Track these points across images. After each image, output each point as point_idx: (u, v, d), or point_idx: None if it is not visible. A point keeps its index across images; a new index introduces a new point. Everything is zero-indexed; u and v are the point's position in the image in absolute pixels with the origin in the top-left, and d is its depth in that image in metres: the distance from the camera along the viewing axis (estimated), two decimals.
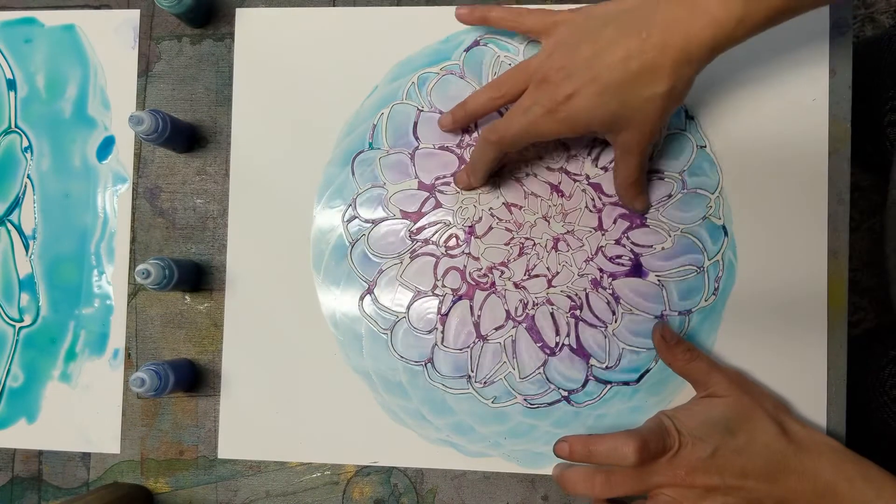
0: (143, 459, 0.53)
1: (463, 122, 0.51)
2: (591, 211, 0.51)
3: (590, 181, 0.52)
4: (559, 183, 0.52)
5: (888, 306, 0.59)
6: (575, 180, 0.52)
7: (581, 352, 0.51)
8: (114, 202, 0.54)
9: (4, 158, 0.55)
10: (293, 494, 0.52)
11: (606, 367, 0.51)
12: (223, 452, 0.53)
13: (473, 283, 0.52)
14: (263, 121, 0.54)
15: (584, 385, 0.51)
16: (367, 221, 0.53)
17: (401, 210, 0.53)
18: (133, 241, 0.54)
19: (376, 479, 0.52)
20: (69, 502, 0.47)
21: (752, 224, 0.51)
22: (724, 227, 0.51)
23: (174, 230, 0.54)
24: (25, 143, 0.55)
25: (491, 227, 0.52)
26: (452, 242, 0.52)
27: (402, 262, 0.52)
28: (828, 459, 0.44)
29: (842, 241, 0.50)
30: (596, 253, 0.51)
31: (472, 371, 0.51)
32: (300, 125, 0.54)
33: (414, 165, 0.53)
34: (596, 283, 0.51)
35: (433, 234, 0.52)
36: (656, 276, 0.51)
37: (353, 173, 0.53)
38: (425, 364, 0.52)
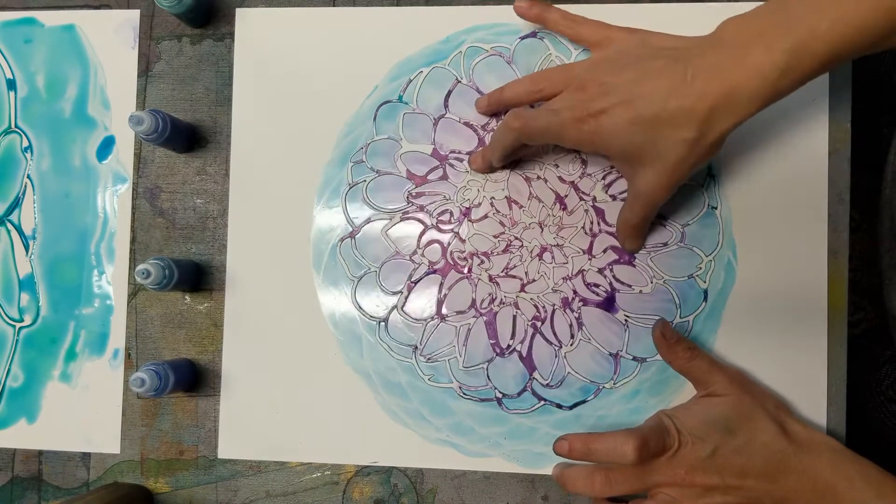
0: (143, 459, 0.53)
1: (496, 108, 0.51)
2: (585, 233, 0.51)
3: (595, 204, 0.52)
4: (566, 196, 0.52)
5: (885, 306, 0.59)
6: (581, 198, 0.52)
7: (528, 362, 0.51)
8: (114, 202, 0.54)
9: (4, 158, 0.55)
10: (293, 494, 0.52)
11: (546, 385, 0.51)
12: (223, 452, 0.53)
13: (451, 263, 0.52)
14: (263, 121, 0.54)
15: (519, 394, 0.51)
16: (372, 169, 0.53)
17: (408, 169, 0.53)
18: (133, 241, 0.54)
19: (376, 479, 0.52)
20: (69, 502, 0.47)
21: (751, 224, 0.51)
22: (705, 292, 0.51)
23: (174, 230, 0.54)
24: (25, 143, 0.55)
25: (486, 216, 0.52)
26: (445, 217, 0.52)
27: (391, 219, 0.53)
28: (827, 459, 0.44)
29: (842, 241, 0.50)
30: (576, 274, 0.51)
31: (421, 344, 0.52)
32: (300, 125, 0.54)
33: (435, 132, 0.53)
34: (566, 303, 0.51)
35: (430, 203, 0.53)
36: (625, 315, 0.51)
37: (374, 119, 0.53)
38: (379, 322, 0.52)
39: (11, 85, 0.55)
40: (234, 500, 0.52)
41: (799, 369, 0.50)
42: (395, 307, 0.52)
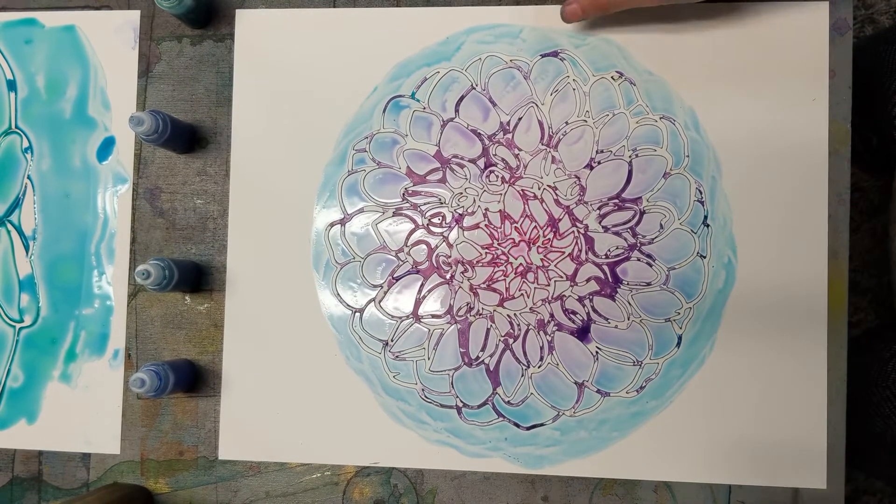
0: (143, 460, 0.53)
1: (592, 11, 0.49)
2: (572, 260, 0.51)
3: (586, 232, 0.52)
4: (559, 219, 0.52)
5: (889, 304, 0.59)
6: (574, 224, 0.52)
7: (494, 377, 0.51)
8: (114, 202, 0.54)
9: (4, 159, 0.55)
10: (293, 495, 0.52)
11: (507, 402, 0.51)
12: (223, 453, 0.53)
13: (435, 266, 0.52)
14: (263, 121, 0.54)
15: (480, 406, 0.51)
16: (373, 160, 0.53)
17: (408, 166, 0.53)
18: (133, 241, 0.54)
19: (376, 479, 0.52)
20: (69, 502, 0.47)
21: (752, 224, 0.51)
22: (679, 338, 0.51)
23: (174, 230, 0.54)
24: (25, 144, 0.55)
25: (478, 226, 0.52)
26: (437, 220, 0.52)
27: (383, 213, 0.53)
28: None
29: (842, 241, 0.50)
30: (556, 298, 0.51)
31: (392, 340, 0.52)
32: (300, 125, 0.54)
33: (441, 134, 0.53)
34: (541, 325, 0.51)
35: (424, 203, 0.53)
36: (597, 346, 0.51)
37: (383, 111, 0.53)
38: (355, 311, 0.52)
39: (12, 85, 0.55)
40: (234, 500, 0.52)
41: (799, 369, 0.50)
42: (372, 300, 0.52)
